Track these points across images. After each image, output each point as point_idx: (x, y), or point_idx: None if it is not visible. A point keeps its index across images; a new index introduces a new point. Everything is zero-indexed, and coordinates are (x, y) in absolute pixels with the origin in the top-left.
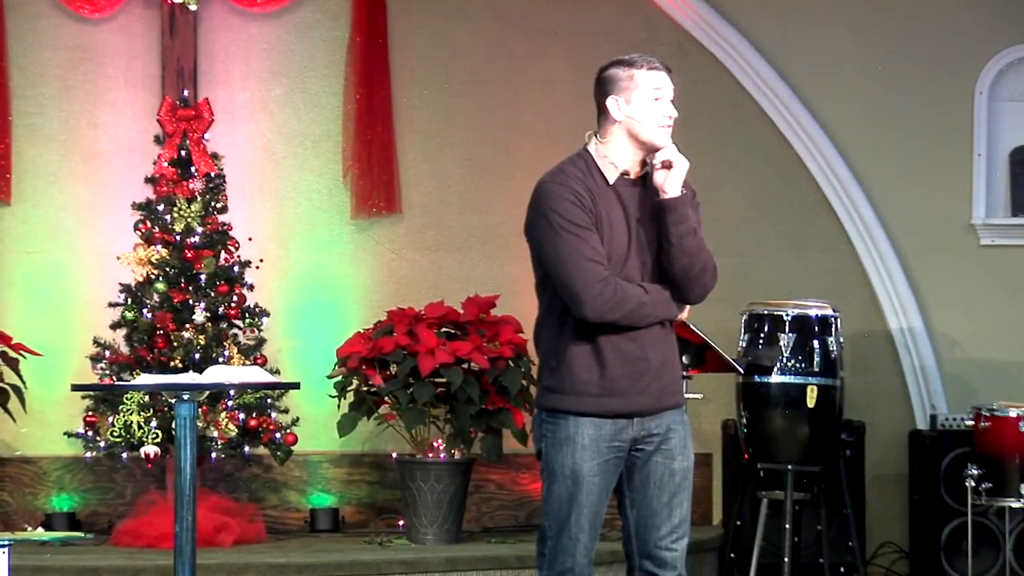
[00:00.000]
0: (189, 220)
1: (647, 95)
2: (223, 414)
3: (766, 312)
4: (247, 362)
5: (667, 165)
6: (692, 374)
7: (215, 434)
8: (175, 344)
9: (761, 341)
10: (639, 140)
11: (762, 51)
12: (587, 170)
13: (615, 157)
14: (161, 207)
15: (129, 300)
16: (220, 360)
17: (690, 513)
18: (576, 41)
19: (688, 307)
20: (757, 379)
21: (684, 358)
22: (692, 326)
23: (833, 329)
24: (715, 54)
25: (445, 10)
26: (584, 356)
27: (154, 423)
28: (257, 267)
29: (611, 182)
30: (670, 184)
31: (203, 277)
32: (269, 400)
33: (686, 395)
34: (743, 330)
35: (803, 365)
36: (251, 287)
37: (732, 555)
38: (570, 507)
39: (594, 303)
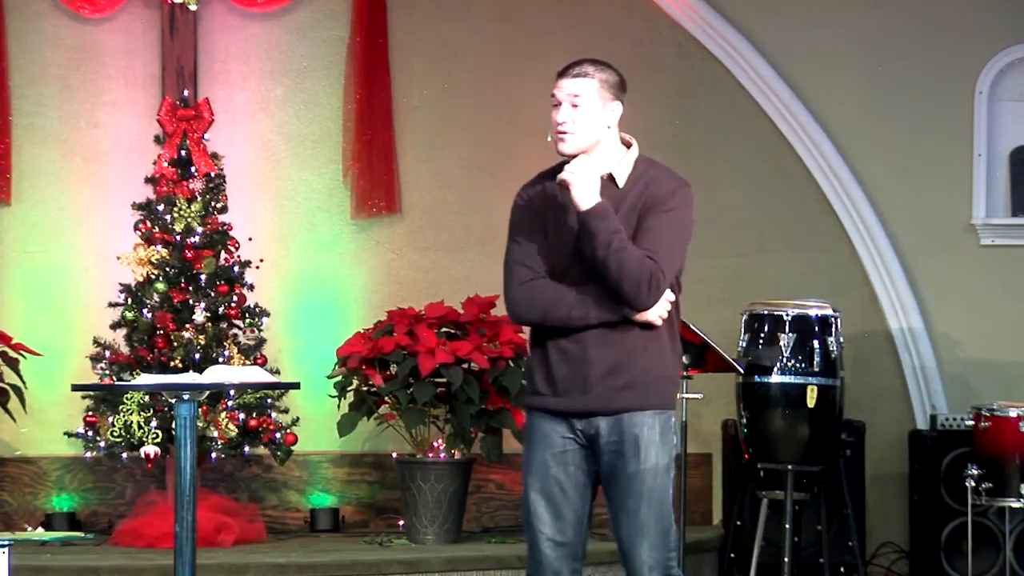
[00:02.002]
0: (189, 220)
1: (552, 105)
2: (223, 414)
3: (766, 312)
4: (247, 362)
5: (563, 186)
6: (692, 374)
7: (215, 434)
8: (175, 344)
9: (761, 341)
10: None
11: (762, 51)
12: (552, 176)
13: (567, 164)
14: (161, 207)
15: (129, 300)
16: (220, 360)
17: (656, 519)
18: (576, 41)
19: (648, 312)
20: (757, 379)
21: (684, 358)
22: (692, 326)
23: (833, 329)
24: (715, 54)
25: (445, 10)
26: (537, 356)
27: (154, 423)
28: (257, 267)
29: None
30: (575, 200)
31: (203, 277)
32: (269, 400)
33: (688, 395)
34: (743, 330)
35: (803, 365)
36: (251, 287)
37: (732, 555)
38: (528, 498)
39: (512, 305)
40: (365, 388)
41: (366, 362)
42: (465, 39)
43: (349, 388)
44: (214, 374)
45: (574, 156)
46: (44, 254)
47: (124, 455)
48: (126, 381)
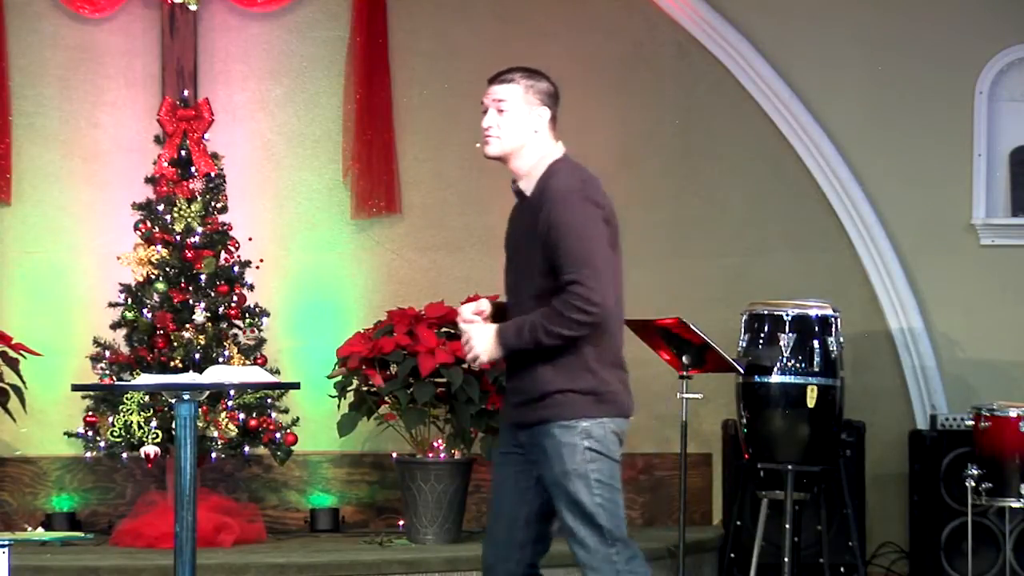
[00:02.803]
0: (189, 220)
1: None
2: (223, 414)
3: (766, 312)
4: (247, 362)
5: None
6: (692, 374)
7: (215, 434)
8: (175, 344)
9: (761, 341)
10: None
11: (762, 51)
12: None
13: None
14: (161, 207)
15: (129, 300)
16: (220, 360)
17: (581, 521)
18: (577, 41)
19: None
20: (757, 379)
21: (684, 358)
22: (692, 326)
23: (833, 329)
24: (715, 54)
25: (445, 10)
26: None
27: (154, 423)
28: (257, 267)
29: (517, 199)
30: (494, 355)
31: (203, 277)
32: (269, 400)
33: (687, 395)
34: (743, 330)
35: (803, 365)
36: (251, 287)
37: (732, 555)
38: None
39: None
40: (365, 388)
41: (366, 362)
42: (465, 39)
43: (349, 388)
44: (214, 374)
45: (498, 158)
46: (44, 254)
47: (124, 455)
48: (126, 381)
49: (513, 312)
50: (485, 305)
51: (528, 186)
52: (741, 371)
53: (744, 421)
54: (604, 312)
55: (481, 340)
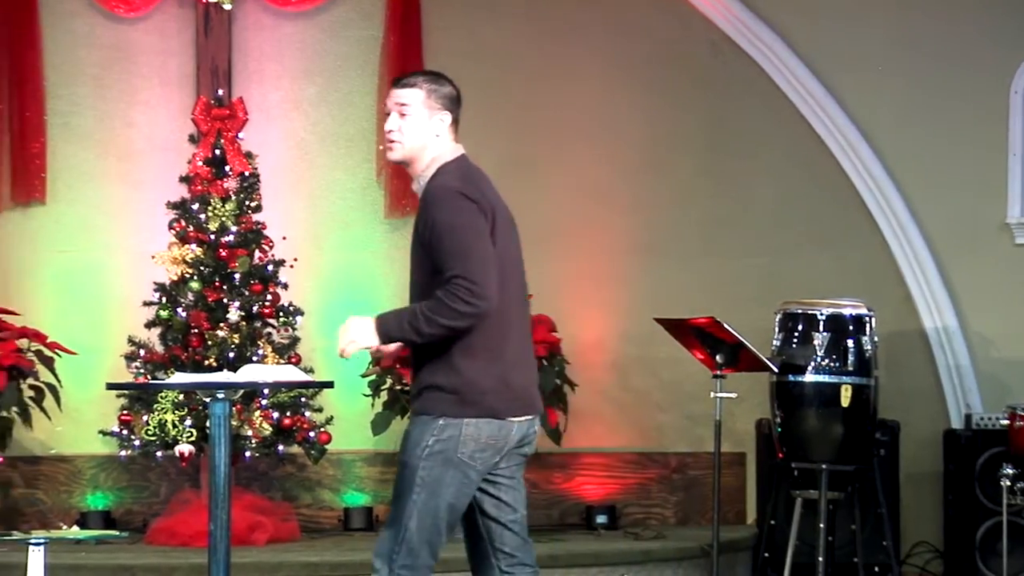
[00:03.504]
0: (223, 219)
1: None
2: (257, 413)
3: (800, 311)
4: (281, 361)
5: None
6: (726, 373)
7: (249, 433)
8: (209, 343)
9: (795, 340)
10: None
11: (796, 50)
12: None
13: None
14: (195, 206)
15: (163, 299)
16: (254, 359)
17: (395, 512)
18: (610, 40)
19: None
20: (791, 378)
21: (718, 357)
22: (726, 325)
23: (867, 328)
24: (749, 53)
25: (478, 10)
26: None
27: (188, 422)
28: (291, 266)
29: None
30: (372, 343)
31: (237, 276)
32: (303, 399)
33: (721, 395)
34: (777, 329)
35: (837, 364)
36: (285, 286)
37: (766, 554)
38: None
39: None
40: (399, 387)
41: (400, 361)
42: (498, 38)
43: (383, 387)
44: (248, 373)
45: (401, 163)
46: (79, 253)
47: (158, 454)
48: (160, 380)
49: None
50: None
51: (419, 188)
52: (775, 370)
53: (778, 420)
54: (490, 304)
55: (356, 329)
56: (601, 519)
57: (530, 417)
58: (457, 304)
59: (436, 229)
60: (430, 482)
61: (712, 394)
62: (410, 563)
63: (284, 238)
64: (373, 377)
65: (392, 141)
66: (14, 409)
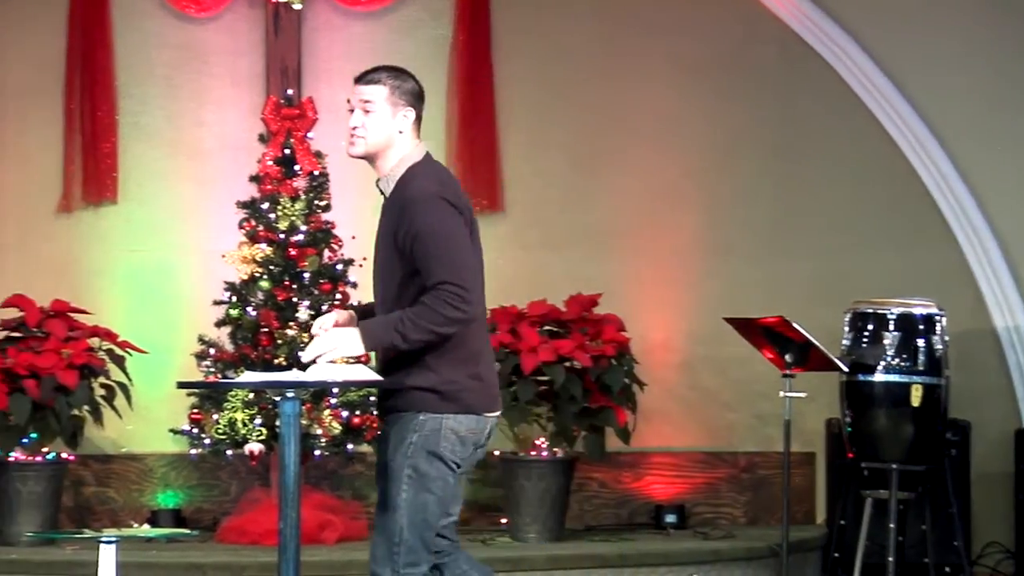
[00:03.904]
0: (293, 218)
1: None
2: (327, 412)
3: (870, 310)
4: (351, 360)
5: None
6: (795, 372)
7: (319, 432)
8: (279, 342)
9: (865, 340)
10: None
11: (867, 49)
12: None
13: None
14: (265, 205)
15: (233, 298)
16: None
17: (386, 514)
18: (679, 39)
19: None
20: (861, 377)
21: (787, 357)
22: (795, 324)
23: (938, 327)
24: (819, 51)
25: (548, 9)
26: None
27: (258, 420)
28: (360, 265)
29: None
30: (359, 350)
31: (307, 275)
32: (372, 398)
33: (791, 394)
34: (847, 328)
35: (908, 364)
36: (354, 285)
37: (836, 554)
38: None
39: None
40: None
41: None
42: (568, 38)
43: None
44: (318, 372)
45: (363, 158)
46: (149, 252)
47: (229, 452)
48: (230, 379)
49: (379, 312)
50: (344, 318)
51: (387, 186)
52: (845, 370)
53: (848, 420)
54: (476, 309)
55: (339, 338)
56: (670, 518)
57: (498, 413)
58: (446, 310)
59: (423, 235)
60: (417, 478)
61: (781, 393)
62: (412, 560)
63: (353, 237)
64: None
65: (355, 137)
66: (86, 408)
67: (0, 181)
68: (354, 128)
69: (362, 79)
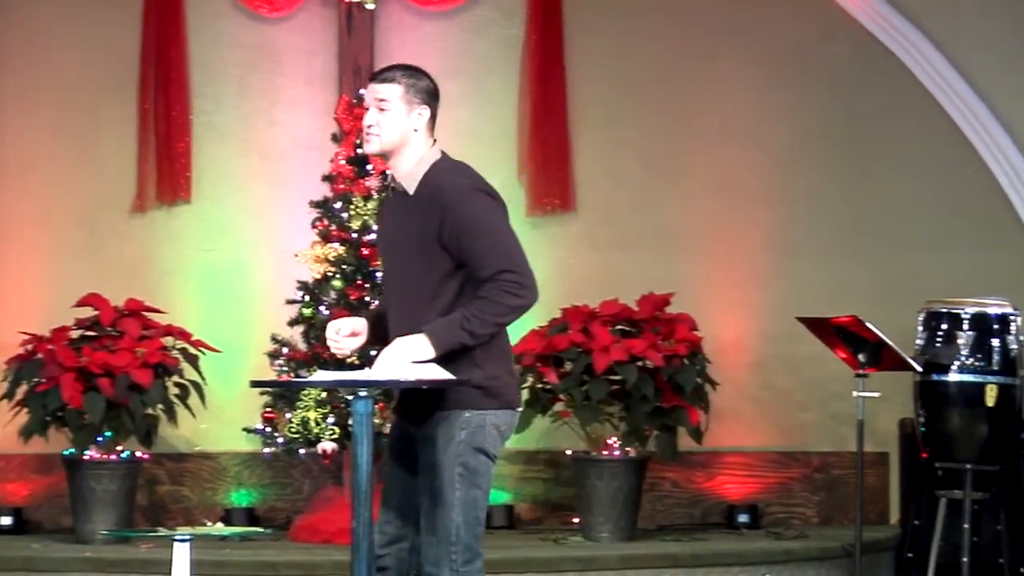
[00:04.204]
0: (365, 218)
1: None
2: None
3: (944, 310)
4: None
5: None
6: (869, 372)
7: None
8: None
9: (939, 339)
10: None
11: (941, 47)
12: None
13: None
14: (338, 205)
15: (306, 297)
16: None
17: (438, 514)
18: (751, 39)
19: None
20: (935, 377)
21: (860, 356)
22: (869, 324)
23: (1012, 327)
24: (893, 51)
25: (620, 9)
26: None
27: (331, 419)
28: None
29: (391, 195)
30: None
31: (379, 275)
32: None
33: (864, 394)
34: (920, 328)
35: (982, 363)
36: None
37: (910, 555)
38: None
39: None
40: (539, 385)
41: (540, 359)
42: (640, 38)
43: (524, 385)
44: (390, 371)
45: (378, 155)
46: (222, 251)
47: (301, 451)
48: (303, 378)
49: (398, 313)
50: (361, 326)
51: (410, 185)
52: (919, 369)
53: (922, 420)
54: (535, 295)
55: (409, 348)
56: (743, 518)
57: (521, 409)
58: (510, 300)
59: (467, 228)
60: (467, 475)
61: (855, 393)
62: (469, 557)
63: None
64: None
65: (370, 135)
66: (160, 406)
67: (74, 181)
68: (369, 126)
69: (377, 77)
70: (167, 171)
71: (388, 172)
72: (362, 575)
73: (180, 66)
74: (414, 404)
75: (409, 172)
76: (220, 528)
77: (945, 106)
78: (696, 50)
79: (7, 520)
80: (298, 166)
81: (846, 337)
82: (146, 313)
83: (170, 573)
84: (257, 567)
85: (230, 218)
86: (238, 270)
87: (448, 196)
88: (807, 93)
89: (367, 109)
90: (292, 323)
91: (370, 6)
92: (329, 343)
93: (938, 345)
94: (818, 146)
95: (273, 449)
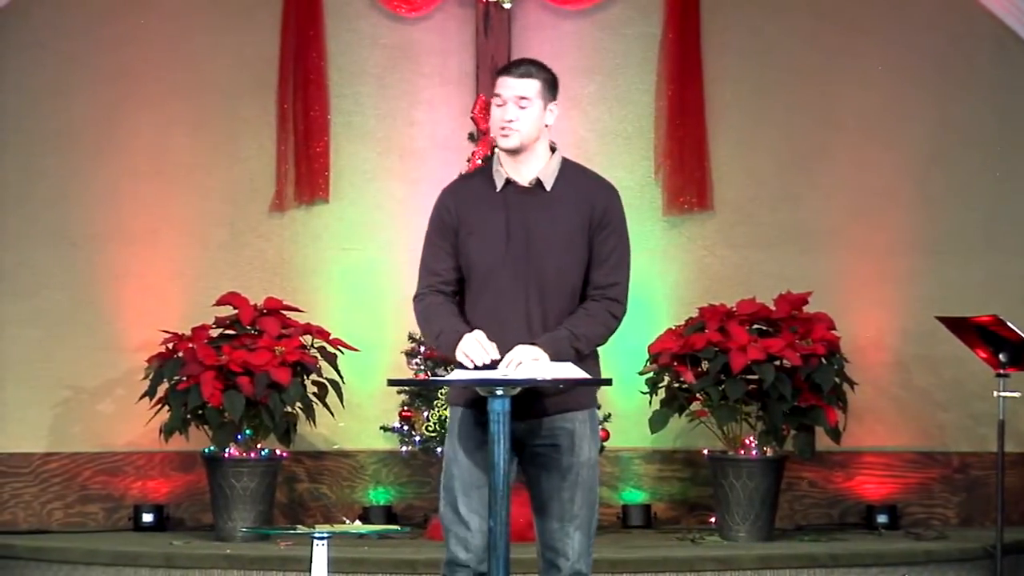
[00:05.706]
0: None
1: (494, 102)
2: None
3: None
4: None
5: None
6: (1010, 372)
7: None
8: None
9: None
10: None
11: None
12: (482, 176)
13: (503, 163)
14: None
15: None
16: None
17: (583, 511)
18: (893, 36)
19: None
20: None
21: (1001, 356)
22: (1010, 324)
23: None
24: None
25: (758, 6)
26: None
27: None
28: None
29: (498, 188)
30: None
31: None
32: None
33: (1005, 393)
34: None
35: None
36: None
37: None
38: None
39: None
40: (676, 385)
41: (677, 359)
42: (778, 35)
43: (660, 384)
44: (527, 370)
45: (514, 151)
46: (361, 251)
47: (439, 450)
48: (440, 377)
49: (527, 308)
50: (494, 353)
51: (547, 180)
52: None
53: None
54: (624, 313)
55: (532, 352)
56: (882, 519)
57: None
58: (612, 323)
59: (616, 230)
60: (597, 471)
61: (995, 393)
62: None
63: None
64: (651, 374)
65: (510, 130)
66: (298, 405)
67: (214, 181)
68: (509, 121)
69: (514, 72)
70: (306, 171)
71: (487, 166)
72: (499, 573)
73: (319, 67)
74: (539, 401)
75: (542, 168)
76: (358, 526)
77: None
78: (834, 48)
79: (149, 517)
80: (435, 165)
81: (986, 337)
82: (285, 312)
83: (309, 571)
84: (394, 565)
85: (368, 217)
86: (376, 269)
87: (604, 193)
88: (949, 90)
89: (502, 105)
90: None
91: (507, 5)
92: (472, 354)
93: None
94: (961, 143)
95: (410, 447)
